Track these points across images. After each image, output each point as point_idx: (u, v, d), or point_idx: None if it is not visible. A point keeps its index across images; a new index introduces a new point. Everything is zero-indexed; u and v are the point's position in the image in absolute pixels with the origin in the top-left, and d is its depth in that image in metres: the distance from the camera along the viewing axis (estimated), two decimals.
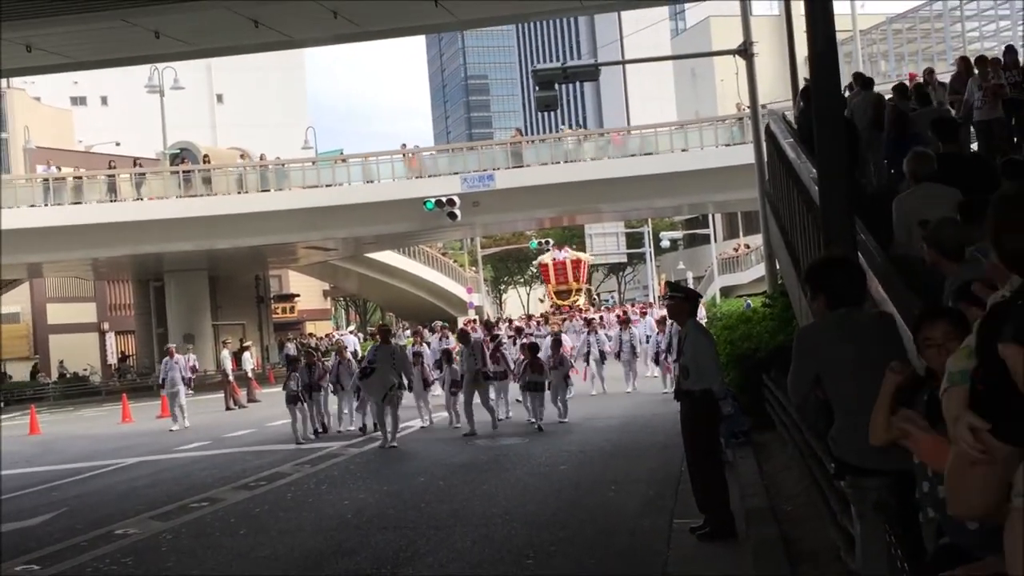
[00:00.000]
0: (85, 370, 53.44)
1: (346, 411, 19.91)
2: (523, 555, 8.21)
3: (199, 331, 44.91)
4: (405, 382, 17.26)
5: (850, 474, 4.70)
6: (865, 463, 4.58)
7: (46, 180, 39.71)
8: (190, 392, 25.05)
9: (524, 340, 22.65)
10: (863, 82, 14.43)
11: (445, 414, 19.14)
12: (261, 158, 43.71)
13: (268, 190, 40.00)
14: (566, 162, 39.65)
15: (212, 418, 25.50)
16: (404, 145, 43.85)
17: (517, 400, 19.57)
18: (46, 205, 38.30)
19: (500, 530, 9.22)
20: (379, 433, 16.79)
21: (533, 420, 17.47)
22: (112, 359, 54.76)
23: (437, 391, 20.52)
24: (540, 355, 18.55)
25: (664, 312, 19.85)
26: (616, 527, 9.11)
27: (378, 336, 18.80)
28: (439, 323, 29.87)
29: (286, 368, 19.45)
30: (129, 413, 26.40)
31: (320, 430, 18.90)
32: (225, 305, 48.37)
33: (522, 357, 18.93)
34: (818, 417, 6.71)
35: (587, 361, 24.15)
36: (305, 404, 18.26)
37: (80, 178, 40.64)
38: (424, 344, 23.19)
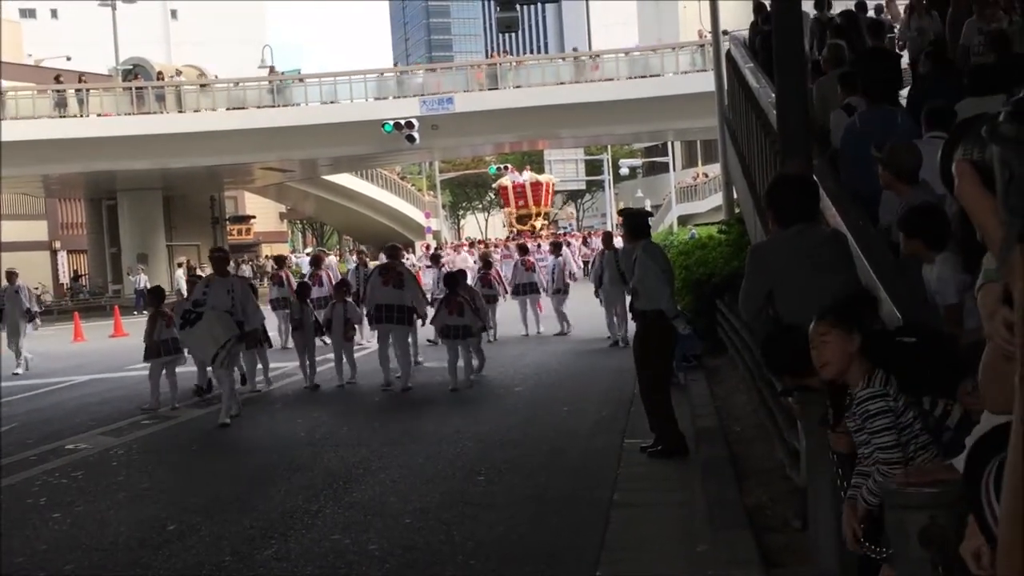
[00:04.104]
0: (36, 288, 52.72)
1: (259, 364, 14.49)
2: (474, 472, 8.26)
3: (153, 251, 44.44)
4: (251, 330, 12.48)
5: (797, 391, 4.73)
6: None
7: None
8: (36, 327, 20.15)
9: (443, 269, 19.16)
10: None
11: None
12: (215, 78, 42.90)
13: (224, 109, 39.34)
14: (526, 86, 39.33)
15: None
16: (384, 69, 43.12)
17: (430, 341, 16.46)
18: None
19: (452, 448, 9.27)
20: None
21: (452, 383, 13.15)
22: (64, 278, 54.01)
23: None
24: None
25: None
26: (568, 446, 9.19)
27: (211, 267, 13.34)
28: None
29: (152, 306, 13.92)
30: (81, 332, 26.15)
31: (204, 387, 13.51)
32: (179, 225, 47.77)
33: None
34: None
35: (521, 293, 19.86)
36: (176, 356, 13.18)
37: (30, 92, 39.71)
38: (327, 272, 18.87)
